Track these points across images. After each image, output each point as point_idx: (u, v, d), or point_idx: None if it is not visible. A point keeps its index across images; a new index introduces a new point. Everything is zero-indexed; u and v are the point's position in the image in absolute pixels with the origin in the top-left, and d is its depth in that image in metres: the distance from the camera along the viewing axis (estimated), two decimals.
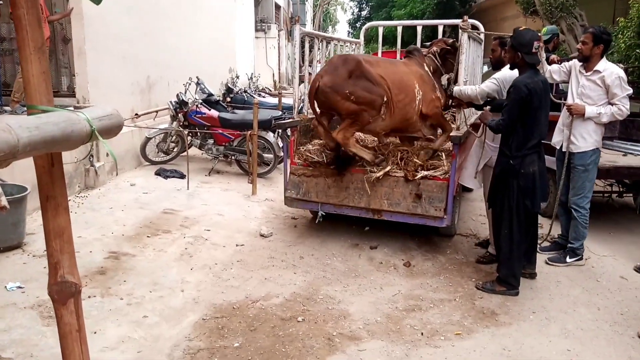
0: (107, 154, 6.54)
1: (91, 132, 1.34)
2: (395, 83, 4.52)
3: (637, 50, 10.46)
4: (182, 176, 6.77)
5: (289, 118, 5.61)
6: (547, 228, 4.89)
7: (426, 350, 3.14)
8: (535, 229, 4.14)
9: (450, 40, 4.98)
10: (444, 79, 4.90)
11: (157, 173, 6.95)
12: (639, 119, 6.49)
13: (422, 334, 3.33)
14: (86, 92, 6.32)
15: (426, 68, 4.87)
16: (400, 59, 5.68)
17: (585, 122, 4.32)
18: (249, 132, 6.45)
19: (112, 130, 1.47)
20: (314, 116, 5.59)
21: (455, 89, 4.56)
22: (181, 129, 7.22)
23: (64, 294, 1.41)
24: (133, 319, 3.38)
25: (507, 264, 3.92)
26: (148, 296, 3.70)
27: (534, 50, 3.72)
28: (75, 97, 6.39)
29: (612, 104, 4.24)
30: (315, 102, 4.59)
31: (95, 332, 3.17)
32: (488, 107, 4.34)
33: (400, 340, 3.25)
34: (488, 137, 4.39)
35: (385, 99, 4.41)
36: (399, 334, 3.32)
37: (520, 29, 3.89)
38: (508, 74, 4.17)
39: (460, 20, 4.57)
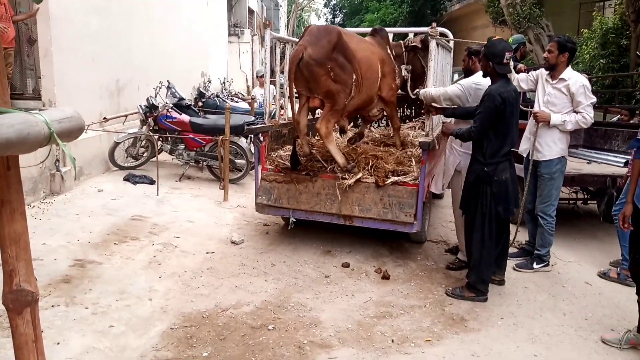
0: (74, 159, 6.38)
1: (50, 135, 1.29)
2: (364, 60, 4.53)
3: (601, 61, 10.82)
4: (151, 182, 6.64)
5: (261, 123, 5.57)
6: (513, 235, 4.97)
7: (396, 357, 3.14)
8: (507, 236, 4.21)
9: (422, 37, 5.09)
10: (404, 70, 5.04)
11: (126, 179, 6.79)
12: (603, 127, 6.69)
13: (392, 340, 3.33)
14: (52, 95, 6.16)
15: (389, 51, 4.98)
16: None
17: (550, 130, 4.41)
18: (221, 137, 6.39)
19: (72, 133, 1.42)
20: (285, 122, 5.60)
21: (422, 91, 4.62)
22: (151, 134, 7.09)
23: (20, 303, 1.35)
24: (98, 328, 3.29)
25: (477, 270, 3.96)
26: (114, 305, 3.60)
27: (505, 60, 3.77)
28: (41, 100, 6.22)
29: (576, 112, 4.33)
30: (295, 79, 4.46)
31: (58, 343, 3.07)
32: (451, 120, 4.42)
33: (370, 347, 3.24)
34: (456, 142, 4.45)
35: (355, 78, 4.39)
36: (370, 341, 3.31)
37: (494, 38, 3.96)
38: (472, 81, 4.28)
39: (429, 27, 4.65)
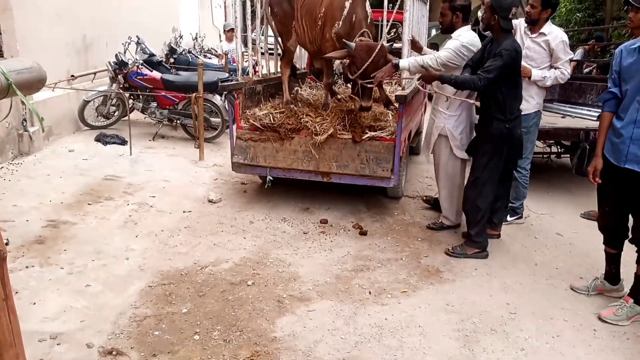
0: (42, 118, 6.17)
1: (8, 87, 1.22)
2: (306, 6, 4.95)
3: (577, 15, 10.82)
4: (123, 142, 6.45)
5: (235, 80, 5.45)
6: None
7: (374, 308, 3.21)
8: (510, 188, 4.31)
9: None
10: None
11: (97, 139, 6.56)
12: (577, 82, 6.75)
13: (369, 292, 3.40)
14: (15, 51, 5.86)
15: (349, 1, 4.66)
16: None
17: (529, 85, 4.36)
18: (194, 94, 6.23)
19: (32, 84, 1.35)
20: (259, 79, 5.49)
21: (402, 62, 4.14)
22: (121, 92, 6.87)
23: None
24: (75, 288, 3.27)
25: (481, 225, 3.96)
26: (91, 265, 3.57)
27: (510, 15, 3.66)
28: (2, 57, 5.92)
29: (554, 68, 4.33)
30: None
31: (34, 303, 3.04)
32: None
33: (348, 299, 3.31)
34: (442, 104, 4.27)
35: (294, 22, 5.10)
36: (348, 294, 3.37)
37: None
38: (460, 42, 4.03)
39: None
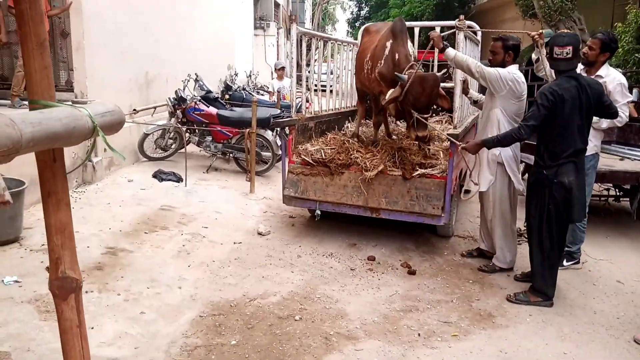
0: (105, 149, 6.53)
1: (93, 128, 1.33)
2: (363, 52, 5.26)
3: (636, 55, 10.50)
4: (179, 179, 6.56)
5: (287, 117, 5.61)
6: None
7: (423, 351, 3.14)
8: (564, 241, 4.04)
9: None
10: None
11: (154, 175, 6.69)
12: (637, 123, 6.51)
13: (419, 334, 3.33)
14: (84, 87, 6.30)
15: (396, 41, 4.76)
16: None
17: None
18: (247, 130, 6.44)
19: (113, 126, 1.47)
20: (311, 115, 5.64)
21: (449, 50, 4.22)
22: (179, 126, 7.20)
23: (65, 290, 1.40)
24: (130, 315, 3.38)
25: (540, 275, 3.84)
26: (145, 292, 3.69)
27: (555, 55, 3.57)
28: (73, 91, 6.37)
29: None
30: None
31: (92, 328, 3.15)
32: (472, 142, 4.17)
33: (397, 340, 3.25)
34: (492, 133, 4.16)
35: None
36: (396, 335, 3.32)
37: (561, 31, 3.84)
38: (512, 72, 4.06)
39: (457, 19, 4.55)
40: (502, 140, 3.77)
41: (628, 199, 6.01)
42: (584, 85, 3.59)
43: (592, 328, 3.52)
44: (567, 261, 4.48)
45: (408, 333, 3.34)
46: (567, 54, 3.55)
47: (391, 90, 4.49)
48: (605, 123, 4.24)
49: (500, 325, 3.51)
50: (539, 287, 3.84)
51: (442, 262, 4.57)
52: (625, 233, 5.66)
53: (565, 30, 3.96)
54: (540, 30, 4.43)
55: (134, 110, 7.39)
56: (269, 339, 3.21)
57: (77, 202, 5.44)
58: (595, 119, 4.20)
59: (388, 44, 4.78)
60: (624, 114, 4.19)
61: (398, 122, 6.54)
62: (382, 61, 4.78)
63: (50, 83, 1.33)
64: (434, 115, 7.23)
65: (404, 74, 4.38)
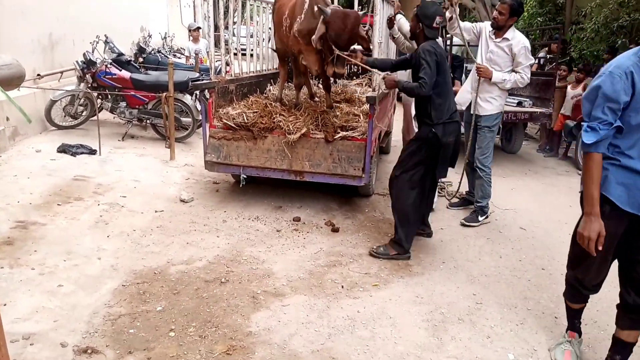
0: (7, 118, 6.04)
1: None
2: (279, 10, 5.15)
3: (539, 19, 11.18)
4: (91, 151, 6.05)
5: (207, 80, 5.46)
6: (456, 186, 5.25)
7: (346, 302, 3.30)
8: (434, 193, 4.36)
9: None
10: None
11: (62, 150, 5.98)
12: None
13: (342, 286, 3.49)
14: None
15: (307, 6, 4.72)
16: None
17: (490, 87, 4.59)
18: (165, 94, 6.20)
19: (12, 81, 1.37)
20: (231, 78, 5.52)
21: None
22: (90, 91, 6.77)
23: None
24: (47, 288, 3.24)
25: (406, 228, 3.94)
26: (62, 265, 3.54)
27: (435, 24, 3.74)
28: None
29: (515, 72, 4.53)
30: None
31: (5, 304, 3.01)
32: (388, 73, 4.27)
33: (322, 293, 3.39)
34: None
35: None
36: (321, 288, 3.45)
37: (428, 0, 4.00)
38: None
39: None
40: (406, 89, 3.90)
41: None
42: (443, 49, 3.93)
43: (498, 270, 3.87)
44: (480, 216, 4.80)
45: (332, 286, 3.49)
46: (441, 23, 3.84)
47: (319, 29, 4.38)
48: (509, 83, 4.54)
49: (416, 273, 3.75)
50: (399, 240, 3.94)
51: (364, 219, 4.76)
52: (528, 185, 6.17)
53: None
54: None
55: (38, 75, 6.85)
56: (195, 302, 3.21)
57: None
58: (499, 79, 4.51)
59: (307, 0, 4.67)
60: (525, 75, 4.52)
61: (319, 85, 6.59)
62: (302, 16, 4.67)
63: None
64: (354, 77, 7.35)
65: (327, 9, 4.35)
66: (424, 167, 3.89)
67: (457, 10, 4.44)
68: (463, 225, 4.74)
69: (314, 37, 4.41)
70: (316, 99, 5.68)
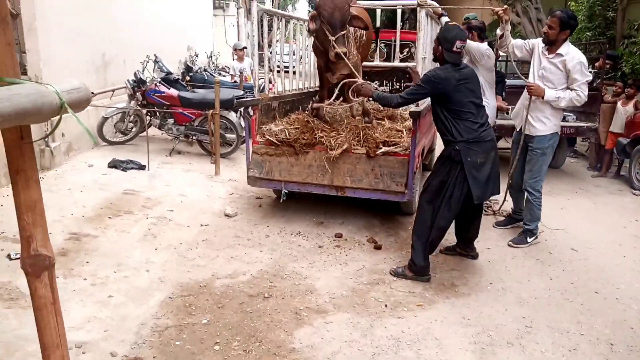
0: (63, 134, 6.34)
1: (61, 105, 1.32)
2: None
3: (587, 34, 10.86)
4: (140, 167, 6.28)
5: (251, 97, 5.58)
6: (500, 204, 5.14)
7: (390, 321, 3.26)
8: (479, 215, 4.13)
9: None
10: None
11: (113, 165, 6.23)
12: None
13: (385, 305, 3.44)
14: (38, 70, 6.05)
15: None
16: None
17: (543, 105, 4.34)
18: (211, 111, 6.37)
19: (80, 103, 1.45)
20: (274, 95, 5.62)
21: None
22: (139, 108, 7.04)
23: (38, 267, 1.39)
24: (98, 299, 3.35)
25: (415, 250, 3.84)
26: (112, 276, 3.66)
27: (455, 48, 3.65)
28: (27, 74, 6.11)
29: (571, 89, 4.24)
30: None
31: None
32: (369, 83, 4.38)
33: (365, 312, 3.36)
34: None
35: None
36: (364, 307, 3.42)
37: (450, 24, 3.98)
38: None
39: None
40: (379, 99, 3.98)
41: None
42: (465, 70, 3.78)
43: (549, 293, 3.73)
44: (529, 238, 4.61)
45: (375, 305, 3.45)
46: (462, 47, 3.73)
47: (311, 13, 4.64)
48: (564, 102, 4.25)
49: (462, 294, 3.66)
50: (414, 262, 3.83)
51: (407, 237, 4.70)
52: (577, 204, 5.95)
53: (454, 23, 4.15)
54: (505, 6, 4.54)
55: (92, 93, 7.13)
56: (240, 316, 3.25)
57: None
58: (553, 97, 4.28)
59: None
60: (582, 92, 4.20)
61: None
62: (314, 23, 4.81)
63: (14, 60, 1.30)
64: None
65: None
66: (448, 186, 3.70)
67: (509, 28, 4.33)
68: (510, 246, 4.59)
69: (310, 19, 4.65)
70: (357, 117, 5.70)
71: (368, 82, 4.38)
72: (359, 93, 4.23)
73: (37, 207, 1.38)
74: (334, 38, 4.49)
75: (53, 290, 1.41)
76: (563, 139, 7.44)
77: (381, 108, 6.22)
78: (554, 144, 4.50)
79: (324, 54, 4.86)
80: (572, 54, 4.24)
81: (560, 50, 4.26)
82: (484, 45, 5.10)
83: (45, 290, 1.37)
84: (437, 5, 5.29)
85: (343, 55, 4.46)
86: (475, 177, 3.66)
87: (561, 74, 4.27)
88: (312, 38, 5.20)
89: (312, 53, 6.27)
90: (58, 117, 1.41)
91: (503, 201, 5.06)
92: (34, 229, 1.37)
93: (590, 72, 8.32)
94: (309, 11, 33.27)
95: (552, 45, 4.31)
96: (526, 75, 4.81)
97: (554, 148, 4.53)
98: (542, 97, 4.29)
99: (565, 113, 7.32)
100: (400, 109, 5.94)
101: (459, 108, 3.67)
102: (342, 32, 4.54)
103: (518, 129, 4.67)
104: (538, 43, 4.45)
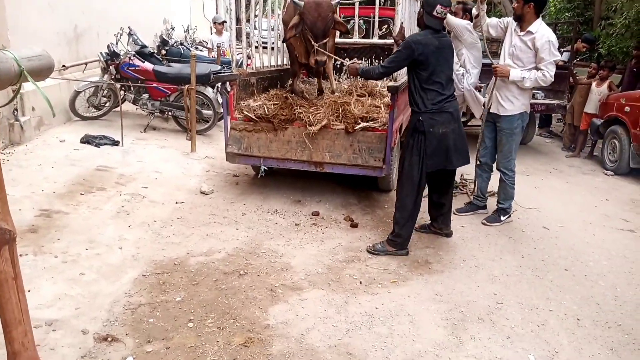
0: (33, 108, 6.14)
1: (20, 73, 1.26)
2: None
3: (566, 14, 10.92)
4: (114, 142, 6.12)
5: (229, 72, 5.47)
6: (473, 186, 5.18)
7: (364, 298, 3.28)
8: (452, 190, 4.23)
9: None
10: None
11: (85, 140, 6.03)
12: None
13: (360, 282, 3.47)
14: (6, 40, 5.81)
15: None
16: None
17: (509, 85, 4.32)
18: (187, 86, 6.23)
19: (42, 71, 1.38)
20: (253, 71, 5.53)
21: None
22: (113, 83, 6.85)
23: None
24: (69, 276, 3.29)
25: (398, 225, 3.90)
26: (84, 254, 3.60)
27: (435, 13, 3.69)
28: None
29: (537, 69, 4.22)
30: None
31: (29, 290, 3.04)
32: (355, 61, 4.40)
33: (340, 289, 3.37)
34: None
35: None
36: (339, 283, 3.44)
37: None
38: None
39: None
40: (364, 73, 4.10)
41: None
42: (444, 39, 3.89)
43: (520, 270, 3.80)
44: (502, 216, 4.66)
45: (350, 282, 3.47)
46: (444, 14, 3.76)
47: (293, 19, 4.71)
48: (529, 82, 4.23)
49: (436, 271, 3.71)
50: (396, 237, 3.89)
51: (383, 215, 4.72)
52: (551, 184, 6.05)
53: None
54: None
55: (63, 66, 6.94)
56: (214, 293, 3.23)
57: (5, 164, 5.11)
58: (518, 77, 4.24)
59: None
60: (548, 72, 4.17)
61: (340, 80, 6.55)
62: (285, 9, 5.03)
63: None
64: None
65: (300, 2, 4.64)
66: (419, 158, 3.79)
67: (485, 7, 4.31)
68: (484, 224, 4.64)
69: (290, 25, 4.72)
70: (336, 93, 5.65)
71: (355, 60, 4.44)
72: (350, 71, 4.26)
73: None
74: (316, 45, 4.56)
75: (14, 265, 1.36)
76: (532, 116, 7.63)
77: (360, 85, 6.17)
78: (523, 124, 4.50)
79: (301, 47, 4.95)
80: (542, 32, 4.20)
81: (531, 28, 4.23)
82: (464, 21, 5.10)
83: (5, 265, 1.33)
84: None
85: (323, 62, 4.64)
86: (434, 146, 3.76)
87: (531, 53, 4.25)
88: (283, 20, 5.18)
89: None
90: (17, 85, 1.34)
91: (475, 183, 5.08)
92: None
93: (564, 51, 8.43)
94: None
95: (521, 21, 4.29)
96: (496, 54, 4.86)
97: (523, 127, 4.54)
98: (507, 78, 4.28)
99: (534, 91, 7.41)
100: (379, 84, 5.93)
101: (430, 76, 3.73)
102: (325, 40, 4.62)
103: (487, 108, 4.65)
104: (511, 21, 4.43)
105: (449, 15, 4.42)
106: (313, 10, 4.55)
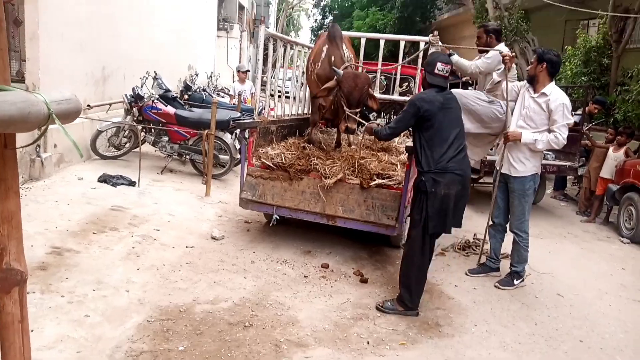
0: (55, 145, 6.29)
1: (49, 115, 1.30)
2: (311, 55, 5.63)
3: (582, 78, 11.05)
4: (130, 183, 6.22)
5: (249, 119, 5.59)
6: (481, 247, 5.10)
7: (371, 359, 3.18)
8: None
9: None
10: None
11: (103, 180, 6.14)
12: None
13: (368, 342, 3.37)
14: (37, 79, 6.04)
15: (326, 46, 5.28)
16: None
17: (521, 146, 4.32)
18: (206, 131, 6.36)
19: (69, 114, 1.43)
20: (273, 119, 5.64)
21: (455, 58, 4.73)
22: (135, 124, 7.02)
23: (9, 282, 1.34)
24: (74, 317, 3.25)
25: (405, 286, 3.84)
26: (91, 295, 3.57)
27: (436, 70, 3.77)
28: (24, 83, 6.10)
29: (550, 131, 4.23)
30: None
31: (32, 330, 2.98)
32: (373, 123, 4.57)
33: (346, 348, 3.28)
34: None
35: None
36: (346, 342, 3.35)
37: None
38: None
39: (430, 35, 4.80)
40: (376, 134, 4.15)
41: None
42: (450, 97, 3.90)
43: (533, 339, 3.67)
44: (515, 280, 4.56)
45: (357, 341, 3.38)
46: (446, 72, 3.83)
47: (330, 82, 4.89)
48: (541, 144, 4.23)
49: (446, 335, 3.60)
50: (403, 298, 3.82)
51: (394, 271, 4.64)
52: (565, 249, 5.94)
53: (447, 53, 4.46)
54: (514, 53, 4.61)
55: (88, 105, 7.15)
56: (217, 345, 3.16)
57: (23, 199, 5.18)
58: (530, 140, 4.25)
59: (324, 48, 5.23)
60: (561, 135, 4.17)
61: (359, 132, 6.62)
62: (319, 63, 5.20)
63: (5, 66, 1.28)
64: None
65: (340, 70, 4.84)
66: (420, 217, 3.72)
67: (515, 73, 4.41)
68: (497, 287, 4.54)
69: (324, 87, 4.93)
70: (353, 146, 5.72)
71: (372, 121, 4.73)
72: (367, 131, 4.37)
73: (14, 219, 1.34)
74: (348, 111, 4.72)
75: (22, 308, 1.35)
76: (543, 176, 7.59)
77: (377, 141, 6.24)
78: (535, 185, 4.46)
79: (329, 102, 5.16)
80: (555, 94, 4.23)
81: (544, 90, 4.26)
82: (473, 92, 5.20)
83: (13, 307, 1.32)
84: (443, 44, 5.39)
85: (353, 130, 4.84)
86: (436, 208, 3.68)
87: (544, 115, 4.25)
88: (310, 71, 5.43)
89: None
90: (45, 127, 1.38)
91: (482, 244, 4.99)
92: (9, 241, 1.32)
93: (575, 114, 8.48)
94: (311, 39, 33.90)
95: (534, 82, 4.34)
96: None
97: (535, 189, 4.51)
98: (519, 141, 4.29)
99: (544, 152, 7.44)
100: (396, 142, 5.98)
101: (435, 133, 3.71)
102: (357, 110, 4.76)
103: (498, 168, 4.62)
104: (525, 84, 4.48)
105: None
106: (351, 80, 4.72)
